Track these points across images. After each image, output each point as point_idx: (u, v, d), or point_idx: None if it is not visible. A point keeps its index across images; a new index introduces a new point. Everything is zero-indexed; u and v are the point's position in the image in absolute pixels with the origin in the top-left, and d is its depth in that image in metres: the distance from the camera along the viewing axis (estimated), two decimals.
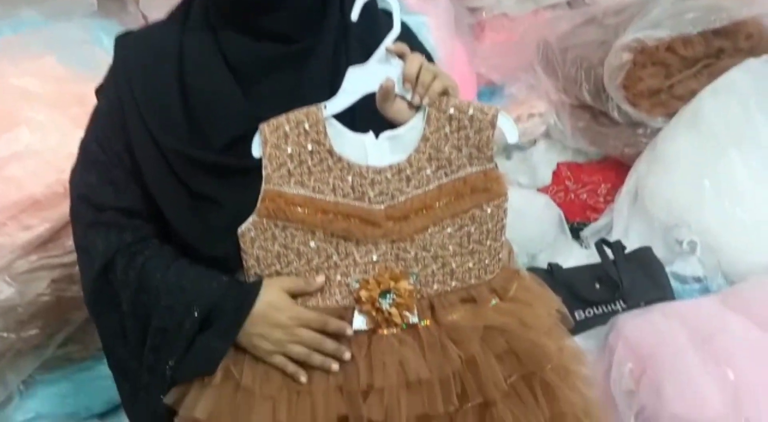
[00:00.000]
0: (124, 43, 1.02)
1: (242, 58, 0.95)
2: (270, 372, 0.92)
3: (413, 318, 0.92)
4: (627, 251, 1.69)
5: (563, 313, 1.04)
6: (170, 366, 0.94)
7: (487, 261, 0.96)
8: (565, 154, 2.26)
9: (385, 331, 0.92)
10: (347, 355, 0.91)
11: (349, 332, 0.91)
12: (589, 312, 1.60)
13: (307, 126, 0.91)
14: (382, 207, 0.92)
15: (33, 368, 1.38)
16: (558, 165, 2.23)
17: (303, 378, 0.91)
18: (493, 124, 0.93)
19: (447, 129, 0.93)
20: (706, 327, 1.30)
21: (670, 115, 1.92)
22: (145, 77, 0.97)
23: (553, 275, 1.67)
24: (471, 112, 0.93)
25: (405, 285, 0.92)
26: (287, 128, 0.91)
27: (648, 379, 1.22)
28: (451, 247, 0.94)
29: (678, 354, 1.23)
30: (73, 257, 1.33)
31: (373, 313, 0.91)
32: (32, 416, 1.40)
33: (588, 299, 1.61)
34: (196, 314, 0.92)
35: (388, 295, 0.91)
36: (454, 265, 0.95)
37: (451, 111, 0.93)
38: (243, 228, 0.92)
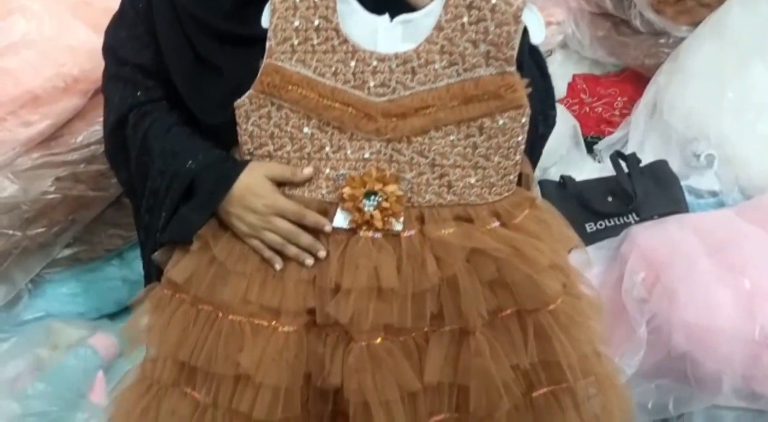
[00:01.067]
0: None
1: None
2: (248, 252, 0.92)
3: (397, 226, 0.87)
4: (642, 164, 1.65)
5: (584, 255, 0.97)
6: (159, 229, 0.96)
7: (493, 180, 0.88)
8: (581, 66, 2.19)
9: (365, 234, 0.87)
10: (322, 253, 0.89)
11: (328, 228, 0.88)
12: (601, 225, 1.58)
13: None
14: (382, 100, 0.86)
15: (41, 267, 1.38)
16: (574, 77, 2.16)
17: (278, 266, 0.90)
18: (516, 18, 0.83)
19: (465, 19, 0.84)
20: (721, 238, 1.28)
21: (695, 23, 1.84)
22: None
23: (565, 187, 1.65)
24: (494, 0, 0.83)
25: (394, 189, 0.86)
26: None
27: (661, 287, 1.21)
28: (452, 157, 0.87)
29: (692, 263, 1.22)
30: (77, 155, 1.32)
31: (355, 213, 0.87)
32: (42, 315, 1.41)
33: (600, 211, 1.58)
34: (181, 180, 0.94)
35: (373, 197, 0.86)
36: (452, 177, 0.88)
37: None
38: (240, 100, 0.90)
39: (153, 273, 1.00)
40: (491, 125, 0.87)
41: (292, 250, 0.90)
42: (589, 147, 1.94)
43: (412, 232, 0.88)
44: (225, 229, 0.93)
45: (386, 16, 0.87)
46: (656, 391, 1.16)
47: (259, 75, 0.88)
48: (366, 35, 0.86)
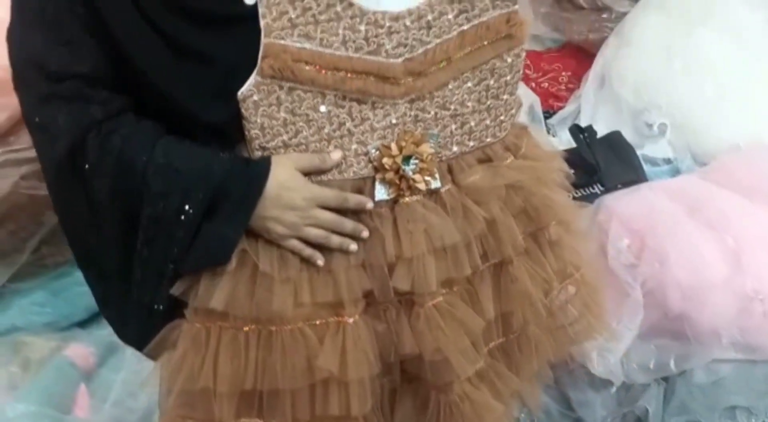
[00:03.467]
0: None
1: None
2: (286, 254, 0.85)
3: (435, 183, 0.87)
4: (598, 136, 1.70)
5: (566, 170, 1.04)
6: (171, 258, 0.83)
7: (502, 118, 0.91)
8: None
9: (408, 199, 0.87)
10: (365, 233, 0.85)
11: (370, 205, 0.85)
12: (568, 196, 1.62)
13: None
14: (401, 60, 0.82)
15: (6, 278, 1.26)
16: None
17: (320, 262, 0.85)
18: None
19: None
20: (695, 199, 1.34)
21: None
22: None
23: None
24: None
25: (426, 148, 0.86)
26: None
27: (649, 251, 1.25)
28: (470, 104, 0.88)
29: (675, 224, 1.27)
30: None
31: (397, 181, 0.85)
32: (7, 328, 1.29)
33: None
34: (200, 197, 0.81)
35: (411, 161, 0.85)
36: (473, 123, 0.89)
37: None
38: (244, 90, 0.80)
39: (156, 314, 0.86)
40: (501, 65, 0.88)
41: (336, 240, 0.85)
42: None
43: (448, 186, 0.89)
44: (256, 237, 0.85)
45: None
46: (656, 351, 1.21)
47: (261, 58, 0.79)
48: None
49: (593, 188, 1.63)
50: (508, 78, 0.89)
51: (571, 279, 1.00)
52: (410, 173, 0.85)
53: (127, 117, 0.83)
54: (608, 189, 1.59)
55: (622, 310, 1.23)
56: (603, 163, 1.63)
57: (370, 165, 0.86)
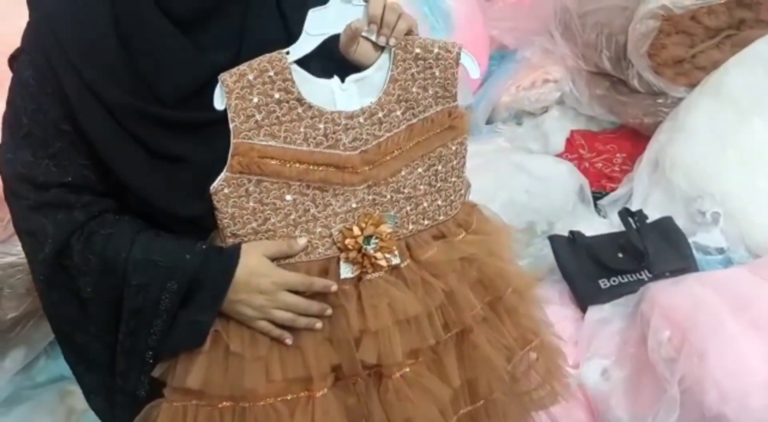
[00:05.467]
0: (40, 0, 0.90)
1: (182, 7, 0.87)
2: (256, 334, 0.90)
3: (395, 260, 0.93)
4: (649, 221, 1.69)
5: (514, 242, 1.10)
6: (151, 346, 0.89)
7: (452, 198, 0.98)
8: (578, 122, 2.25)
9: (371, 276, 0.93)
10: (329, 312, 0.91)
11: (334, 288, 0.91)
12: (614, 281, 1.60)
13: (272, 73, 0.88)
14: (357, 152, 0.92)
15: None
16: (571, 132, 2.22)
17: (288, 341, 0.90)
18: (457, 62, 0.95)
19: (414, 69, 0.94)
20: (742, 296, 1.31)
21: (692, 84, 1.91)
22: (78, 34, 0.87)
23: (575, 243, 1.68)
24: (436, 50, 0.94)
25: (385, 228, 0.93)
26: (251, 77, 0.87)
27: (689, 346, 1.22)
28: (422, 187, 0.96)
29: (718, 321, 1.24)
30: None
31: (360, 260, 0.91)
32: (56, 376, 1.36)
33: (612, 268, 1.61)
34: (175, 288, 0.88)
35: (371, 240, 0.92)
36: (425, 204, 0.97)
37: (417, 50, 0.93)
38: (215, 185, 0.88)
39: (141, 400, 0.91)
40: (446, 152, 0.97)
41: (302, 322, 0.90)
42: (592, 202, 1.98)
43: (407, 261, 0.95)
44: (227, 319, 0.90)
45: (336, 78, 0.92)
46: None
47: (230, 156, 0.87)
48: (324, 98, 0.91)
49: (640, 274, 1.61)
50: (454, 163, 0.98)
51: (532, 345, 1.04)
52: (372, 251, 0.91)
53: (107, 217, 0.91)
54: (656, 276, 1.57)
55: (658, 406, 1.20)
56: (652, 250, 1.62)
57: (334, 246, 0.92)
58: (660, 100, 1.97)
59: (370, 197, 0.93)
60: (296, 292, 0.90)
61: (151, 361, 0.90)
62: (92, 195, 0.91)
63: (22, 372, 1.34)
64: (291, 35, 0.91)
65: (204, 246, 0.90)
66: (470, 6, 2.26)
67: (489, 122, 2.30)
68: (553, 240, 1.70)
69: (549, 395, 1.08)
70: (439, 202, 0.97)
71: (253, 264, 0.89)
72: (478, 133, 2.25)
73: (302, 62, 0.90)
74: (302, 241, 0.91)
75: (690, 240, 1.66)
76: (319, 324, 0.90)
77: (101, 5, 0.87)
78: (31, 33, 0.90)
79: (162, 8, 0.87)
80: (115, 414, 0.95)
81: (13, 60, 0.92)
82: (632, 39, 1.92)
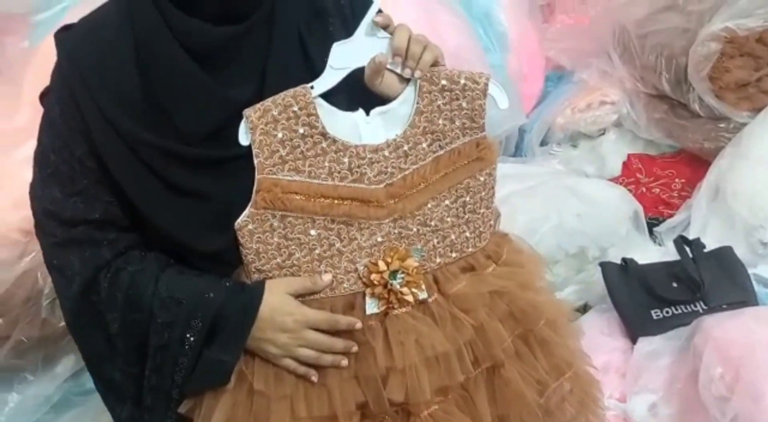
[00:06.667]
0: (66, 39, 0.92)
1: (202, 44, 0.88)
2: (281, 372, 0.90)
3: (422, 294, 0.92)
4: (706, 250, 1.62)
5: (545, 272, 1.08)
6: (177, 383, 0.90)
7: (481, 229, 0.97)
8: (635, 145, 2.19)
9: (398, 311, 0.91)
10: (354, 348, 0.89)
11: (359, 326, 0.89)
12: (667, 312, 1.54)
13: (296, 108, 0.87)
14: (382, 186, 0.90)
15: None
16: (629, 156, 2.16)
17: (314, 378, 0.89)
18: (484, 93, 0.93)
19: (440, 101, 0.92)
20: None
21: (756, 109, 1.84)
22: (101, 72, 0.89)
23: (628, 270, 1.62)
24: (463, 81, 0.92)
25: (412, 262, 0.91)
26: (275, 112, 0.87)
27: (744, 385, 1.16)
28: (449, 219, 0.94)
29: None
30: None
31: (386, 295, 0.90)
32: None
33: (665, 298, 1.55)
34: (200, 326, 0.88)
35: (397, 275, 0.90)
36: (453, 237, 0.95)
37: (444, 82, 0.92)
38: (240, 221, 0.88)
39: None
40: (475, 184, 0.95)
41: (327, 359, 0.89)
42: (648, 228, 1.92)
43: (435, 296, 0.93)
44: (252, 356, 0.90)
45: (361, 111, 0.91)
46: None
47: (255, 192, 0.88)
48: (349, 131, 0.90)
49: (695, 306, 1.54)
50: (483, 194, 0.96)
51: (566, 376, 1.00)
52: (398, 286, 0.90)
53: (133, 254, 0.93)
54: (712, 308, 1.50)
55: None
56: (708, 280, 1.55)
57: (359, 281, 0.91)
58: (722, 125, 1.90)
59: (396, 231, 0.92)
60: (321, 330, 0.89)
61: (177, 398, 0.91)
62: (118, 231, 0.92)
63: (71, 378, 1.39)
64: (313, 70, 0.91)
65: (228, 284, 0.90)
66: (525, 27, 2.24)
67: (543, 144, 2.26)
68: (605, 267, 1.65)
69: None
70: (468, 234, 0.95)
71: (276, 302, 0.88)
72: (532, 155, 2.22)
73: (327, 95, 0.91)
74: (327, 278, 0.90)
75: (750, 271, 1.59)
76: (344, 362, 0.89)
77: (124, 44, 0.89)
78: (57, 71, 0.93)
79: (182, 44, 0.87)
80: None
81: (44, 96, 0.95)
82: (693, 61, 1.86)
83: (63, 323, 1.35)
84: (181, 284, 0.90)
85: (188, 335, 0.88)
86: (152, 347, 0.90)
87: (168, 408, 0.91)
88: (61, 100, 0.91)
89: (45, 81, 0.97)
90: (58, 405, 1.41)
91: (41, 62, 1.50)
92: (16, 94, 1.52)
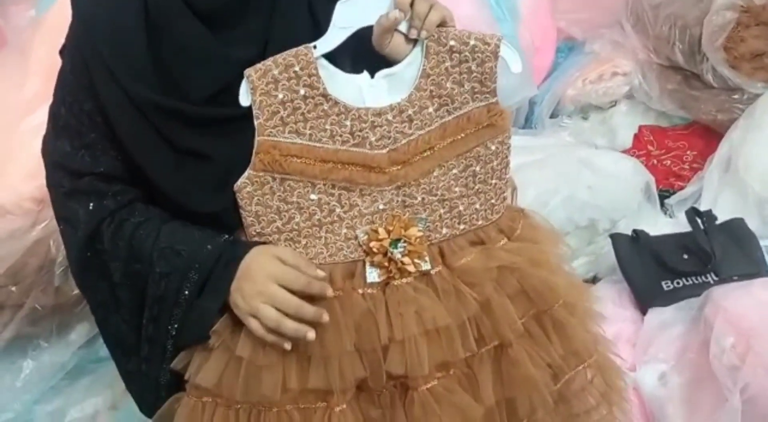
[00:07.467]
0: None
1: (208, 3, 0.88)
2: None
3: (425, 266, 0.89)
4: (718, 222, 1.62)
5: (565, 251, 1.02)
6: (171, 334, 0.89)
7: (493, 201, 0.93)
8: (647, 117, 2.17)
9: (399, 281, 0.88)
10: (326, 317, 0.84)
11: (330, 293, 0.85)
12: (678, 283, 1.54)
13: (297, 69, 0.85)
14: (385, 151, 0.88)
15: None
16: (640, 128, 2.14)
17: (287, 346, 0.84)
18: (495, 55, 0.88)
19: (448, 63, 0.88)
20: None
21: None
22: (109, 30, 0.90)
23: (638, 242, 1.62)
24: (472, 42, 0.88)
25: (415, 232, 0.88)
26: (276, 72, 0.85)
27: (754, 355, 1.17)
28: (457, 189, 0.91)
29: None
30: None
31: (386, 264, 0.88)
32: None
33: (676, 269, 1.55)
34: (196, 278, 0.87)
35: (399, 244, 0.88)
36: (461, 207, 0.91)
37: (452, 43, 0.88)
38: (239, 183, 0.87)
39: (162, 387, 0.92)
40: (485, 152, 0.91)
41: (289, 326, 0.83)
42: (659, 200, 1.91)
43: (439, 268, 0.90)
44: (240, 322, 0.87)
45: (365, 74, 0.89)
46: None
47: (254, 154, 0.86)
48: (352, 94, 0.88)
49: (706, 277, 1.54)
50: (495, 164, 0.92)
51: (587, 363, 0.97)
52: (399, 256, 0.87)
53: (137, 206, 0.93)
54: (722, 280, 1.50)
55: (718, 416, 1.15)
56: (720, 252, 1.55)
57: (360, 249, 0.89)
58: (735, 96, 1.87)
59: (400, 199, 0.89)
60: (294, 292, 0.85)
61: (171, 349, 0.90)
62: (123, 184, 0.93)
63: (85, 345, 1.41)
64: (320, 31, 0.89)
65: (227, 239, 0.89)
66: None
67: (553, 116, 2.24)
68: (615, 238, 1.65)
69: (606, 419, 1.00)
70: (477, 206, 0.92)
71: (260, 257, 0.86)
72: (542, 126, 2.20)
73: (331, 57, 0.88)
74: (321, 273, 0.86)
75: (762, 243, 1.58)
76: (311, 334, 0.83)
77: (134, 5, 0.89)
78: (70, 29, 0.94)
79: (188, 5, 0.87)
80: (143, 400, 0.98)
81: (61, 52, 0.96)
82: (708, 31, 1.83)
83: (76, 291, 1.36)
84: (181, 236, 0.90)
85: (184, 286, 0.88)
86: (150, 297, 0.89)
87: (163, 359, 0.91)
88: (72, 57, 0.93)
89: (52, 50, 0.98)
90: (73, 372, 1.43)
91: (48, 31, 1.50)
92: (23, 64, 1.51)
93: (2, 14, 1.67)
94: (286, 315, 0.84)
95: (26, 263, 1.38)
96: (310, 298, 0.85)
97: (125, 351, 0.96)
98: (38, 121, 1.36)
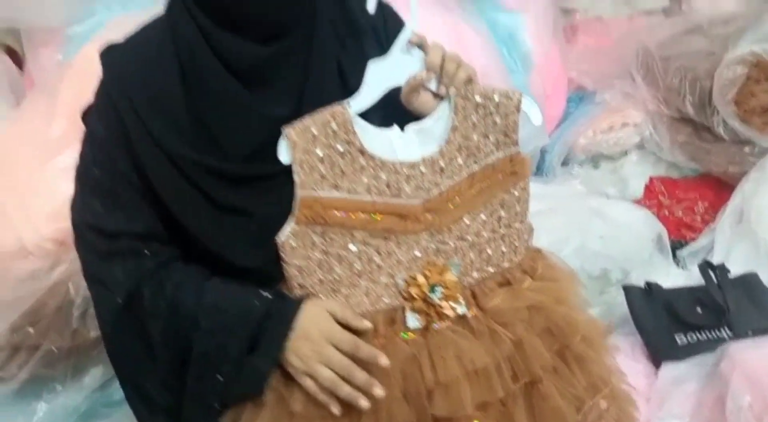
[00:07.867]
0: (111, 57, 0.95)
1: (244, 62, 0.90)
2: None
3: (461, 309, 0.93)
4: (731, 275, 1.62)
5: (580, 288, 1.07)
6: (218, 392, 0.89)
7: (516, 244, 0.98)
8: (657, 168, 2.19)
9: (438, 326, 0.92)
10: (378, 390, 0.86)
11: (383, 362, 0.86)
12: (691, 337, 1.54)
13: (335, 126, 0.90)
14: (420, 201, 0.92)
15: None
16: (651, 179, 2.16)
17: (334, 409, 0.86)
18: (518, 108, 0.95)
19: (474, 117, 0.94)
20: None
21: None
22: (145, 89, 0.91)
23: (651, 294, 1.62)
24: (497, 98, 0.95)
25: (450, 276, 0.93)
26: (314, 130, 0.89)
27: None
28: (485, 234, 0.96)
29: None
30: None
31: (425, 309, 0.91)
32: None
33: (690, 323, 1.55)
34: (243, 334, 0.88)
35: (436, 289, 0.92)
36: (489, 251, 0.96)
37: (478, 99, 0.94)
38: (282, 237, 0.90)
39: None
40: (509, 198, 0.97)
41: (344, 389, 0.86)
42: (671, 251, 1.91)
43: (474, 310, 0.94)
44: (293, 378, 0.89)
45: (395, 127, 0.94)
46: None
47: (296, 209, 0.89)
48: (383, 147, 0.92)
49: (720, 332, 1.53)
50: (518, 208, 0.98)
51: (602, 393, 1.01)
52: (437, 300, 0.91)
53: (176, 265, 0.94)
54: (737, 335, 1.50)
55: None
56: (734, 306, 1.55)
57: (399, 295, 0.93)
58: (746, 149, 1.90)
59: (434, 245, 0.93)
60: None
61: (217, 407, 0.90)
62: (160, 243, 0.94)
63: (99, 389, 1.41)
64: (347, 87, 0.93)
65: (270, 294, 0.91)
66: (549, 47, 2.25)
67: (564, 164, 2.27)
68: (628, 290, 1.65)
69: None
70: (504, 249, 0.97)
71: (313, 313, 0.89)
72: (553, 174, 2.22)
73: (362, 112, 0.93)
74: (368, 325, 0.89)
75: None
76: (364, 402, 0.85)
77: (168, 63, 0.91)
78: (101, 89, 0.95)
79: (223, 62, 0.89)
80: None
81: (86, 115, 0.97)
82: (718, 85, 1.86)
83: (93, 334, 1.37)
84: (226, 292, 0.91)
85: (232, 342, 0.88)
86: (195, 355, 0.90)
87: (207, 418, 0.91)
88: (104, 116, 0.93)
89: (80, 94, 1.01)
90: (86, 416, 1.42)
91: (76, 75, 1.53)
92: (50, 106, 1.54)
93: (31, 56, 1.71)
94: (340, 376, 0.86)
95: (45, 304, 1.38)
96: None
97: (153, 410, 0.96)
98: (63, 163, 1.39)
